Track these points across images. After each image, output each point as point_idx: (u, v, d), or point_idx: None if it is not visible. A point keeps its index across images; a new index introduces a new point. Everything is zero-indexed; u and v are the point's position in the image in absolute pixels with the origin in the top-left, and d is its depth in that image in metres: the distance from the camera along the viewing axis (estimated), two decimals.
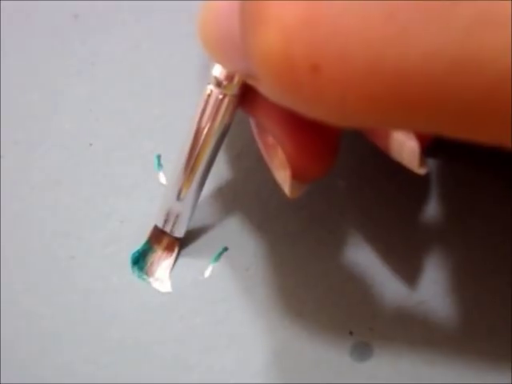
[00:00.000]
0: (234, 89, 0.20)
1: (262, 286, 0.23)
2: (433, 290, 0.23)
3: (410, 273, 0.23)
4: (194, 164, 0.22)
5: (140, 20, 0.28)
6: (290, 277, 0.23)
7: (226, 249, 0.24)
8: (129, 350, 0.22)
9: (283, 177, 0.20)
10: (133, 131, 0.26)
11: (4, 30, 0.28)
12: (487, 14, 0.11)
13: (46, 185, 0.25)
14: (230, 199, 0.25)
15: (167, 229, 0.23)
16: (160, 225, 0.24)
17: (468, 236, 0.24)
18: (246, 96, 0.20)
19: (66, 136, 0.26)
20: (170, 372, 0.22)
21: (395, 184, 0.25)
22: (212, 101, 0.20)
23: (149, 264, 0.24)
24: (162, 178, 0.25)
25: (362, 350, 0.22)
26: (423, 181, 0.25)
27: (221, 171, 0.25)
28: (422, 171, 0.19)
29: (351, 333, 0.23)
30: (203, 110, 0.21)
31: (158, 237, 0.24)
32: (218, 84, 0.20)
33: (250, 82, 0.16)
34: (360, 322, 0.23)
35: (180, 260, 0.24)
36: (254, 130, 0.21)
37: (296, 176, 0.20)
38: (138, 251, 0.24)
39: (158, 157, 0.26)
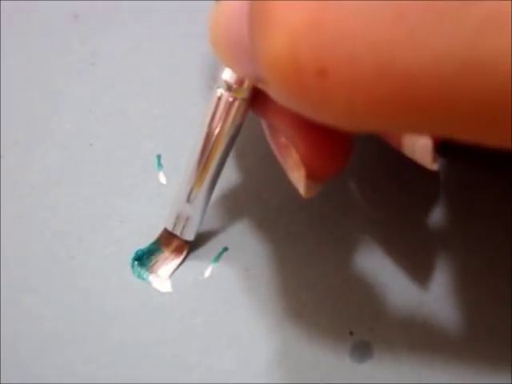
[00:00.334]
0: (244, 93, 0.20)
1: (262, 286, 0.23)
2: (433, 291, 0.23)
3: (410, 273, 0.23)
4: (205, 167, 0.22)
5: (140, 20, 0.28)
6: (290, 277, 0.23)
7: (226, 249, 0.24)
8: (129, 350, 0.22)
9: (298, 177, 0.20)
10: (133, 131, 0.26)
11: (4, 30, 0.28)
12: (498, 13, 0.11)
13: (46, 185, 0.25)
14: (231, 199, 0.25)
15: (177, 232, 0.23)
16: (170, 228, 0.23)
17: (468, 236, 0.24)
18: (256, 98, 0.20)
19: (66, 136, 0.26)
20: (170, 372, 0.22)
21: (396, 185, 0.25)
22: (222, 104, 0.20)
23: (152, 262, 0.24)
24: (162, 178, 0.25)
25: (362, 351, 0.22)
26: (424, 181, 0.25)
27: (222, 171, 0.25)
28: (434, 167, 0.19)
29: (351, 333, 0.23)
30: (213, 114, 0.20)
31: (167, 239, 0.24)
32: (228, 88, 0.20)
33: (260, 86, 0.16)
34: (360, 322, 0.23)
35: None
36: (266, 132, 0.21)
37: (310, 176, 0.20)
38: (142, 250, 0.24)
39: (158, 157, 0.26)
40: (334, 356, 0.22)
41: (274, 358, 0.22)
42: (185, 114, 0.27)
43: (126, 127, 0.26)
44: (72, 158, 0.26)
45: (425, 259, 0.24)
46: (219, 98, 0.20)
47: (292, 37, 0.12)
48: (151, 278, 0.24)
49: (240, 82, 0.19)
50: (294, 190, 0.20)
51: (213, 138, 0.21)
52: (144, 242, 0.24)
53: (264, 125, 0.21)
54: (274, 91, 0.14)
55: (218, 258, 0.24)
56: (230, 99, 0.20)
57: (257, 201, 0.25)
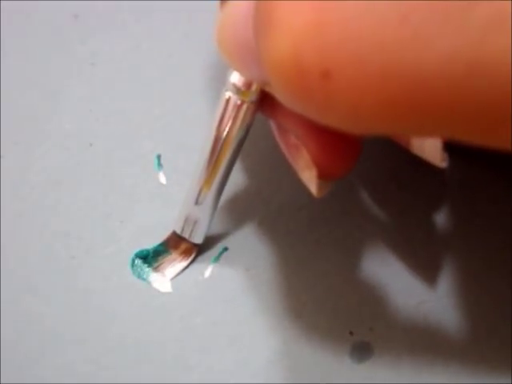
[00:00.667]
0: (252, 95, 0.20)
1: (262, 286, 0.23)
2: (433, 291, 0.23)
3: (410, 273, 0.23)
4: (213, 170, 0.22)
5: (140, 20, 0.28)
6: (290, 277, 0.23)
7: (226, 249, 0.24)
8: (129, 350, 0.22)
9: (309, 177, 0.20)
10: (133, 131, 0.26)
11: (4, 30, 0.28)
12: (504, 14, 0.11)
13: (46, 185, 0.25)
14: (231, 199, 0.25)
15: (186, 234, 0.23)
16: (178, 231, 0.23)
17: (469, 236, 0.24)
18: (265, 99, 0.20)
19: (66, 136, 0.26)
20: (170, 372, 0.22)
21: (396, 184, 0.25)
22: (230, 107, 0.20)
23: (158, 263, 0.24)
24: (162, 178, 0.25)
25: (362, 350, 0.22)
26: (424, 181, 0.25)
27: None
28: (443, 164, 0.19)
29: (351, 333, 0.23)
30: (222, 117, 0.20)
31: (175, 242, 0.24)
32: (237, 91, 0.20)
33: (267, 89, 0.16)
34: (360, 322, 0.23)
35: None
36: (275, 132, 0.20)
37: (321, 175, 0.20)
38: (147, 249, 0.24)
39: (158, 157, 0.26)
40: (333, 356, 0.22)
41: (274, 358, 0.22)
42: (185, 114, 0.27)
43: (126, 127, 0.26)
44: (72, 158, 0.26)
45: (425, 259, 0.24)
46: (227, 101, 0.20)
47: (295, 39, 0.12)
48: (151, 278, 0.24)
49: (248, 85, 0.19)
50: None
51: (221, 141, 0.21)
52: (144, 242, 0.24)
53: (273, 125, 0.21)
54: (278, 94, 0.14)
55: (218, 258, 0.24)
56: (238, 102, 0.20)
57: (257, 201, 0.25)
